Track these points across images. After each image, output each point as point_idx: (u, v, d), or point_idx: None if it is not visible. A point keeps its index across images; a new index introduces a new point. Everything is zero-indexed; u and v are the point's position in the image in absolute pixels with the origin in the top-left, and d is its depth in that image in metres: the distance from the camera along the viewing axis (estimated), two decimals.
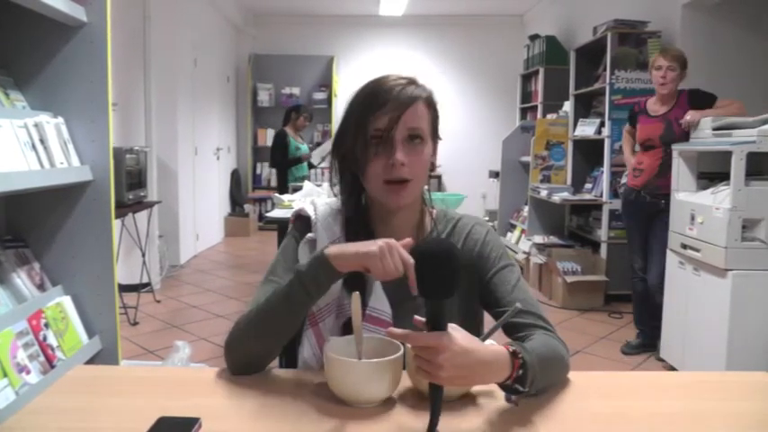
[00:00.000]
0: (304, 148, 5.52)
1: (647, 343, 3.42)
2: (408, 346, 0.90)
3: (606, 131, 4.37)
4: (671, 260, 3.10)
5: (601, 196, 4.47)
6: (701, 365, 2.78)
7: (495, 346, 0.91)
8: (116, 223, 2.30)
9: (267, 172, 7.83)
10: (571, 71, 4.96)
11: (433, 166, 1.15)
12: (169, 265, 5.18)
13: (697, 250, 2.82)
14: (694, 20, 4.03)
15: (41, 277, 1.84)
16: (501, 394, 0.94)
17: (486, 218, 5.15)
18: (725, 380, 1.19)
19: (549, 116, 5.33)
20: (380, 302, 1.09)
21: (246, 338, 1.04)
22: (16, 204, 1.85)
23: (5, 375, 1.48)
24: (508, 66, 7.29)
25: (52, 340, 1.71)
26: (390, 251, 0.94)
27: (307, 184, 3.67)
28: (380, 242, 0.94)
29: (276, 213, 3.31)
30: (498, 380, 0.89)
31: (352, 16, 7.74)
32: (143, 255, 4.23)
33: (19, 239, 1.84)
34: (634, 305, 3.56)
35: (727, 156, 2.66)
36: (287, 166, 5.34)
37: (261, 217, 7.51)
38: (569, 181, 5.00)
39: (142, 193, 3.94)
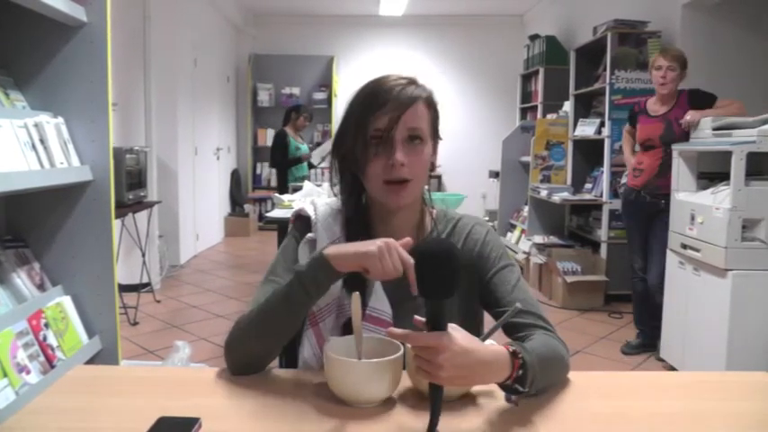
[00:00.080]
0: (304, 148, 5.53)
1: (647, 343, 3.42)
2: (408, 346, 0.90)
3: (606, 131, 4.37)
4: (671, 260, 3.10)
5: (601, 196, 4.47)
6: (701, 365, 2.78)
7: (495, 346, 0.91)
8: (116, 223, 2.30)
9: (267, 172, 7.83)
10: (571, 71, 4.95)
11: (433, 166, 1.15)
12: (169, 265, 5.18)
13: (697, 250, 2.82)
14: (694, 20, 4.03)
15: (41, 277, 1.84)
16: (501, 394, 0.94)
17: (486, 218, 5.15)
18: (725, 380, 1.19)
19: (549, 116, 5.33)
20: (380, 302, 1.09)
21: (246, 338, 1.04)
22: (16, 204, 1.84)
23: (5, 375, 1.48)
24: (508, 66, 7.29)
25: (52, 340, 1.71)
26: (389, 251, 0.94)
27: (307, 184, 3.67)
28: (379, 242, 0.94)
29: (276, 213, 3.31)
30: (498, 380, 0.89)
31: (352, 16, 7.74)
32: (143, 255, 4.23)
33: (19, 239, 1.84)
34: (634, 305, 3.56)
35: (727, 156, 2.66)
36: (287, 166, 5.34)
37: (261, 217, 7.52)
38: (569, 181, 5.00)
39: (142, 193, 3.94)
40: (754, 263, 2.59)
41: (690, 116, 3.06)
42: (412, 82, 1.09)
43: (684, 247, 2.94)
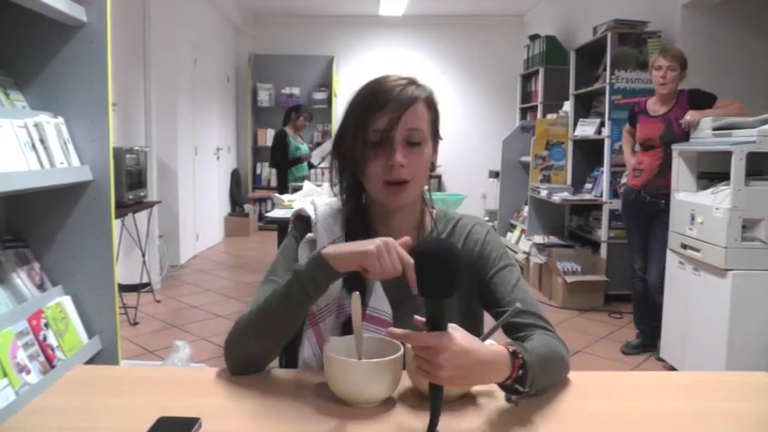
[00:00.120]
0: (304, 148, 5.53)
1: (647, 343, 3.42)
2: (408, 346, 0.90)
3: (606, 131, 4.37)
4: (671, 260, 3.10)
5: (601, 196, 4.47)
6: (701, 365, 2.78)
7: (495, 346, 0.91)
8: (116, 223, 2.30)
9: (267, 172, 7.83)
10: (571, 71, 4.95)
11: (433, 166, 1.15)
12: (169, 265, 5.18)
13: (697, 250, 2.82)
14: (694, 20, 4.03)
15: (41, 277, 1.84)
16: (501, 394, 0.94)
17: (486, 218, 5.15)
18: (725, 380, 1.19)
19: (549, 116, 5.33)
20: (381, 302, 1.09)
21: (246, 338, 1.04)
22: (16, 204, 1.84)
23: (5, 375, 1.48)
24: (508, 66, 7.29)
25: (52, 340, 1.71)
26: (388, 250, 0.94)
27: (307, 184, 3.67)
28: (378, 241, 0.94)
29: (276, 213, 3.31)
30: (498, 380, 0.89)
31: (352, 16, 7.74)
32: (143, 255, 4.23)
33: (19, 239, 1.84)
34: (634, 305, 3.56)
35: (727, 156, 2.66)
36: (287, 166, 5.34)
37: (261, 217, 7.51)
38: (569, 181, 5.00)
39: (142, 193, 3.94)
40: (754, 263, 2.59)
41: (690, 116, 3.06)
42: (412, 82, 1.09)
43: (684, 247, 2.94)
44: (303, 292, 0.98)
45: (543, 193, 4.87)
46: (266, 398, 0.96)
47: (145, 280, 4.34)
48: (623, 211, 3.58)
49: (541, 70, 5.80)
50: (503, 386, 0.91)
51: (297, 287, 0.98)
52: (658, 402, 0.99)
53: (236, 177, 7.73)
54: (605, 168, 4.40)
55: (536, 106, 5.96)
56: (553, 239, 4.92)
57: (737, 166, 2.58)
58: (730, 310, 2.60)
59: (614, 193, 4.30)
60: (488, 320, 1.12)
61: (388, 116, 1.04)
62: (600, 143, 4.52)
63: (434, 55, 7.86)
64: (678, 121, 3.14)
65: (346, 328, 1.09)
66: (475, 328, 1.11)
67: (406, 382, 0.98)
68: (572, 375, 1.05)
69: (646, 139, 3.31)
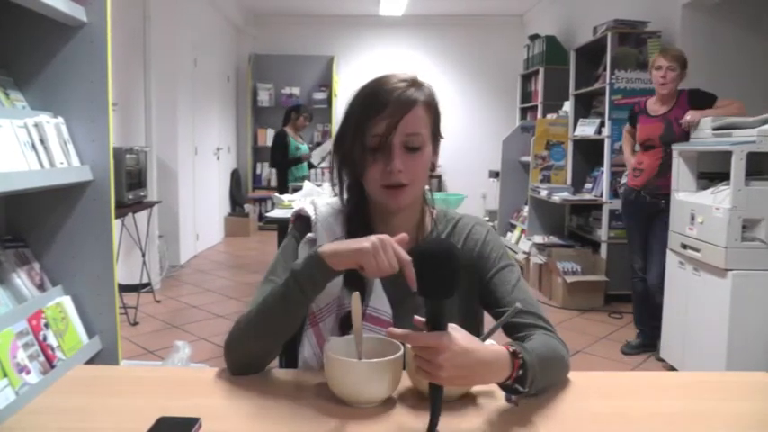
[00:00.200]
0: (304, 148, 5.53)
1: (647, 343, 3.42)
2: (408, 346, 0.90)
3: (606, 131, 4.37)
4: (671, 260, 3.10)
5: (601, 196, 4.47)
6: (701, 365, 2.78)
7: (495, 346, 0.91)
8: (116, 223, 2.30)
9: (267, 172, 7.83)
10: (571, 71, 4.96)
11: (433, 166, 1.14)
12: (169, 265, 5.18)
13: (697, 250, 2.82)
14: (694, 20, 4.03)
15: (41, 277, 1.84)
16: (501, 394, 0.94)
17: (486, 218, 5.16)
18: (725, 380, 1.19)
19: (549, 116, 5.33)
20: (381, 302, 1.09)
21: (246, 338, 1.04)
22: (16, 204, 1.84)
23: (5, 375, 1.48)
24: (508, 66, 7.29)
25: (52, 340, 1.71)
26: (384, 247, 0.93)
27: (307, 184, 3.67)
28: (374, 238, 0.94)
29: (276, 213, 3.31)
30: (498, 380, 0.89)
31: (352, 16, 7.74)
32: (143, 255, 4.23)
33: (19, 239, 1.84)
34: (634, 305, 3.56)
35: (727, 156, 2.66)
36: (287, 166, 5.34)
37: (261, 217, 7.52)
38: (569, 181, 5.00)
39: (142, 193, 3.94)
40: (754, 263, 2.59)
41: (690, 116, 3.06)
42: (412, 84, 1.08)
43: (684, 247, 2.94)
44: (300, 291, 0.98)
45: (543, 193, 4.87)
46: (266, 398, 0.96)
47: (145, 280, 4.34)
48: (623, 211, 3.58)
49: (541, 70, 5.80)
50: (503, 386, 0.91)
51: (294, 286, 0.98)
52: (658, 402, 0.99)
53: (236, 177, 7.74)
54: (605, 168, 4.40)
55: (536, 106, 5.96)
56: (553, 239, 4.92)
57: (737, 166, 2.58)
58: (730, 310, 2.60)
59: (614, 193, 4.30)
60: (488, 320, 1.12)
61: (386, 121, 1.04)
62: (600, 143, 4.52)
63: (434, 55, 7.86)
64: (678, 121, 3.14)
65: (344, 323, 1.09)
66: (475, 328, 1.11)
67: (406, 382, 0.98)
68: (572, 375, 1.05)
69: (646, 139, 3.31)
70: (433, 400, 0.83)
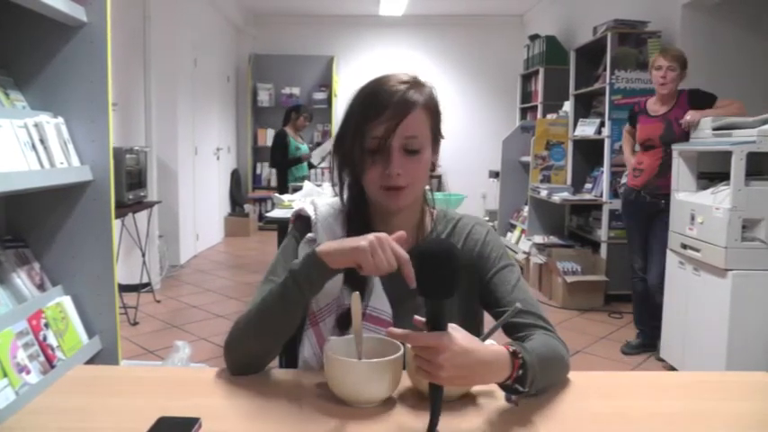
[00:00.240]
0: (304, 148, 5.53)
1: (647, 343, 3.42)
2: (408, 346, 0.90)
3: (606, 131, 4.37)
4: (671, 260, 3.10)
5: (601, 196, 4.47)
6: (701, 365, 2.78)
7: (495, 346, 0.91)
8: (116, 223, 2.30)
9: (267, 172, 7.83)
10: (571, 71, 4.96)
11: (433, 166, 1.14)
12: (169, 265, 5.18)
13: (697, 250, 2.82)
14: (694, 20, 4.03)
15: (41, 277, 1.84)
16: (501, 394, 0.94)
17: (486, 218, 5.15)
18: (725, 380, 1.19)
19: (549, 116, 5.33)
20: (381, 302, 1.09)
21: (245, 338, 1.04)
22: (16, 204, 1.84)
23: (5, 375, 1.48)
24: (508, 66, 7.29)
25: (52, 340, 1.71)
26: (381, 246, 0.93)
27: (307, 184, 3.67)
28: (371, 237, 0.94)
29: (276, 213, 3.31)
30: (498, 380, 0.89)
31: (352, 16, 7.74)
32: (143, 255, 4.23)
33: (19, 239, 1.84)
34: (634, 305, 3.56)
35: (727, 156, 2.66)
36: (287, 166, 5.34)
37: (261, 217, 7.52)
38: (569, 181, 5.00)
39: (142, 193, 3.94)
40: (754, 263, 2.59)
41: (690, 116, 3.06)
42: (412, 86, 1.07)
43: (684, 247, 2.94)
44: (298, 291, 0.98)
45: (543, 193, 4.87)
46: (266, 398, 0.96)
47: (145, 280, 4.34)
48: (623, 211, 3.58)
49: (541, 70, 5.80)
50: (503, 386, 0.91)
51: (292, 285, 0.98)
52: (658, 402, 0.99)
53: (236, 177, 7.74)
54: (605, 168, 4.40)
55: (536, 106, 5.96)
56: (553, 239, 4.92)
57: (737, 166, 2.58)
58: (730, 310, 2.60)
59: (614, 193, 4.30)
60: (488, 320, 1.12)
61: (385, 124, 1.03)
62: (600, 143, 4.52)
63: (434, 55, 7.86)
64: (678, 121, 3.14)
65: (341, 320, 1.09)
66: (475, 328, 1.11)
67: (406, 382, 0.98)
68: (572, 375, 1.05)
69: (646, 139, 3.31)
70: (433, 400, 0.83)
